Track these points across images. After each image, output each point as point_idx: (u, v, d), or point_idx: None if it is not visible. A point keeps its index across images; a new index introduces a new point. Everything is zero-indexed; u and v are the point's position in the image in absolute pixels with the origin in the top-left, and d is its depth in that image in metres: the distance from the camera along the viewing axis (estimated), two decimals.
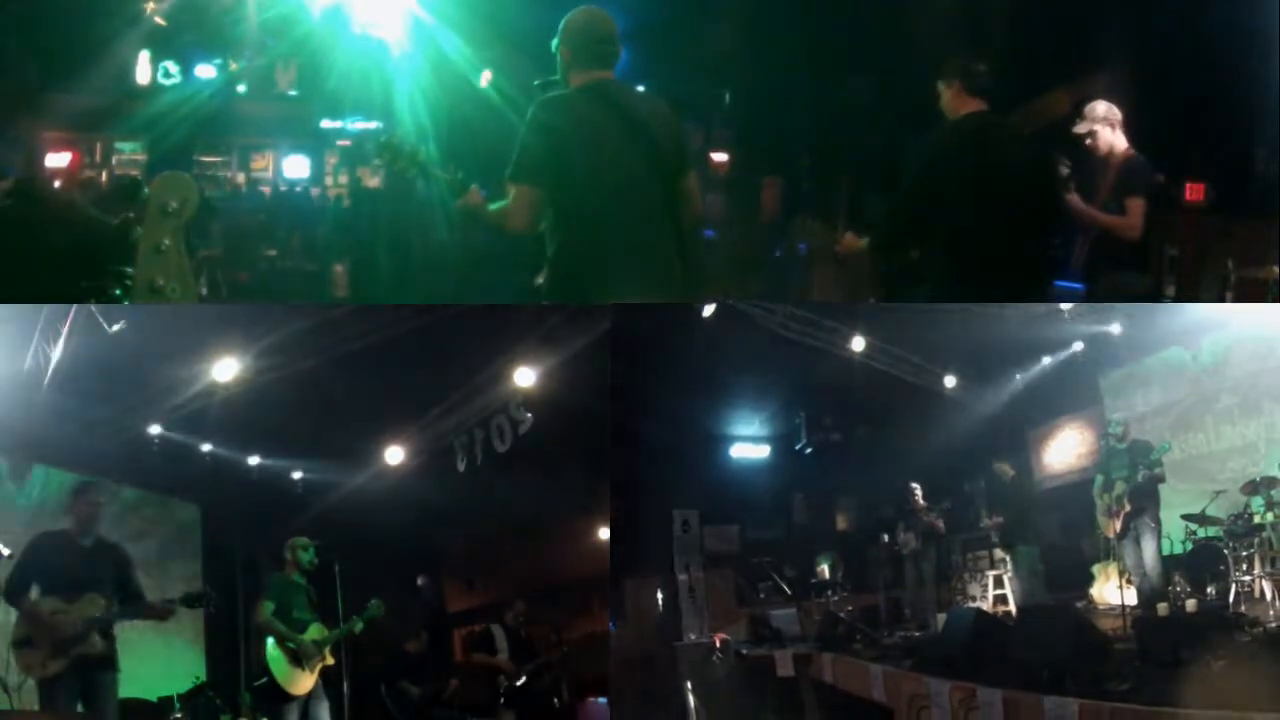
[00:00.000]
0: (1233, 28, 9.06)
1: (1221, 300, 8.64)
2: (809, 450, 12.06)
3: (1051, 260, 5.68)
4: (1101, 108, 6.25)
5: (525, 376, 8.51)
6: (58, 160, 17.37)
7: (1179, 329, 9.67)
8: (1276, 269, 8.11)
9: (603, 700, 8.27)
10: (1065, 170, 6.18)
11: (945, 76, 5.07)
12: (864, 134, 10.82)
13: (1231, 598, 7.23)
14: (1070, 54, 9.70)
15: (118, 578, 5.43)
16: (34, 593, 5.19)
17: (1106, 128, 6.20)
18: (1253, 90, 9.08)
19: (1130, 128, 6.27)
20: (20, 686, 5.16)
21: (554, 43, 4.39)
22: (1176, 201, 9.17)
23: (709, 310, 8.62)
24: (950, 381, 11.51)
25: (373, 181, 15.69)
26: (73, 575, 5.25)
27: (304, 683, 6.12)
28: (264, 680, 6.22)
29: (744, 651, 8.29)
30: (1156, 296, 8.25)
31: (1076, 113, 6.48)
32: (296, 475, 10.62)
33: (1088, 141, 6.24)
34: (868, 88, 11.08)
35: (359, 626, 6.45)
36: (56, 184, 14.03)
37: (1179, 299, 8.85)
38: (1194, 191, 9.50)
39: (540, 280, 4.34)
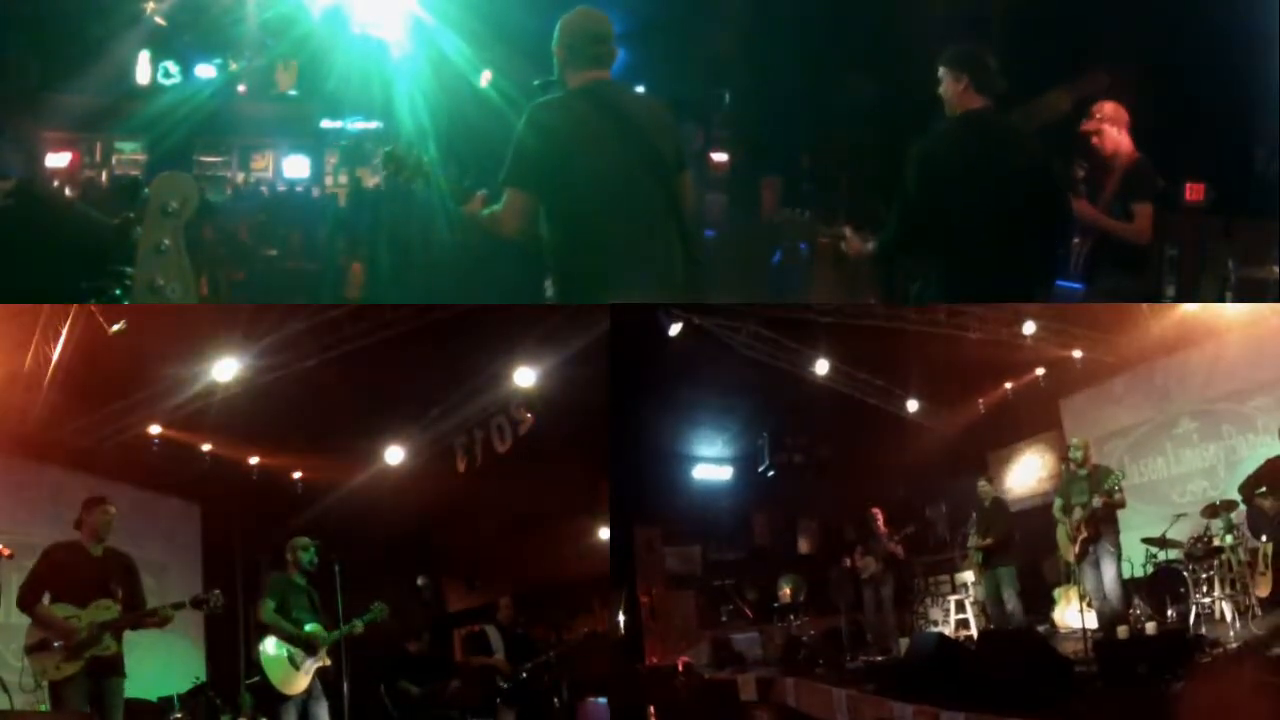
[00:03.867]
0: (1233, 28, 9.06)
1: (1221, 300, 8.65)
2: (771, 472, 12.07)
3: (1055, 258, 5.65)
4: (1109, 107, 6.23)
5: (525, 376, 8.52)
6: (58, 160, 17.36)
7: (1141, 349, 9.71)
8: (1276, 269, 8.13)
9: (602, 700, 8.27)
10: (1081, 173, 6.16)
11: (954, 67, 4.86)
12: (864, 134, 10.82)
13: (1192, 620, 7.29)
14: (1070, 54, 9.69)
15: (127, 585, 5.56)
16: (45, 599, 5.33)
17: (1113, 128, 6.18)
18: (1253, 90, 9.08)
19: (1131, 128, 6.26)
20: (34, 689, 5.30)
21: (552, 44, 4.39)
22: (1176, 201, 9.17)
23: (675, 330, 8.63)
24: (913, 405, 11.56)
25: (373, 181, 15.69)
26: (84, 583, 5.39)
27: (299, 683, 6.11)
28: (256, 679, 6.23)
29: (706, 675, 8.28)
30: (1157, 296, 8.26)
31: (1078, 112, 6.46)
32: (296, 475, 10.62)
33: (1094, 140, 6.22)
34: (868, 88, 11.07)
35: (360, 628, 6.45)
36: (56, 184, 14.05)
37: (1179, 299, 8.86)
38: (1194, 191, 9.50)
39: (548, 284, 4.34)
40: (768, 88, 12.16)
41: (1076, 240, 6.31)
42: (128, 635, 5.52)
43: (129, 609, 5.49)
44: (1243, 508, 7.55)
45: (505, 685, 8.29)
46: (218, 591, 5.91)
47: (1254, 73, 8.94)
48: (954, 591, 9.99)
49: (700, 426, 12.09)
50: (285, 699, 6.04)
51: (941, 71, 4.90)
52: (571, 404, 8.58)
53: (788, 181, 10.91)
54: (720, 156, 12.99)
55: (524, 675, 8.41)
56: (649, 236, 4.25)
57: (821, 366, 10.13)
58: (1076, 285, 6.49)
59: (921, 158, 4.81)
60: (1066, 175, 6.20)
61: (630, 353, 8.33)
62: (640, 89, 4.70)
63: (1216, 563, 7.39)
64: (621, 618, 10.02)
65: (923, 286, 4.93)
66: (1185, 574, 7.56)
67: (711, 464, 12.56)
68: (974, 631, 9.18)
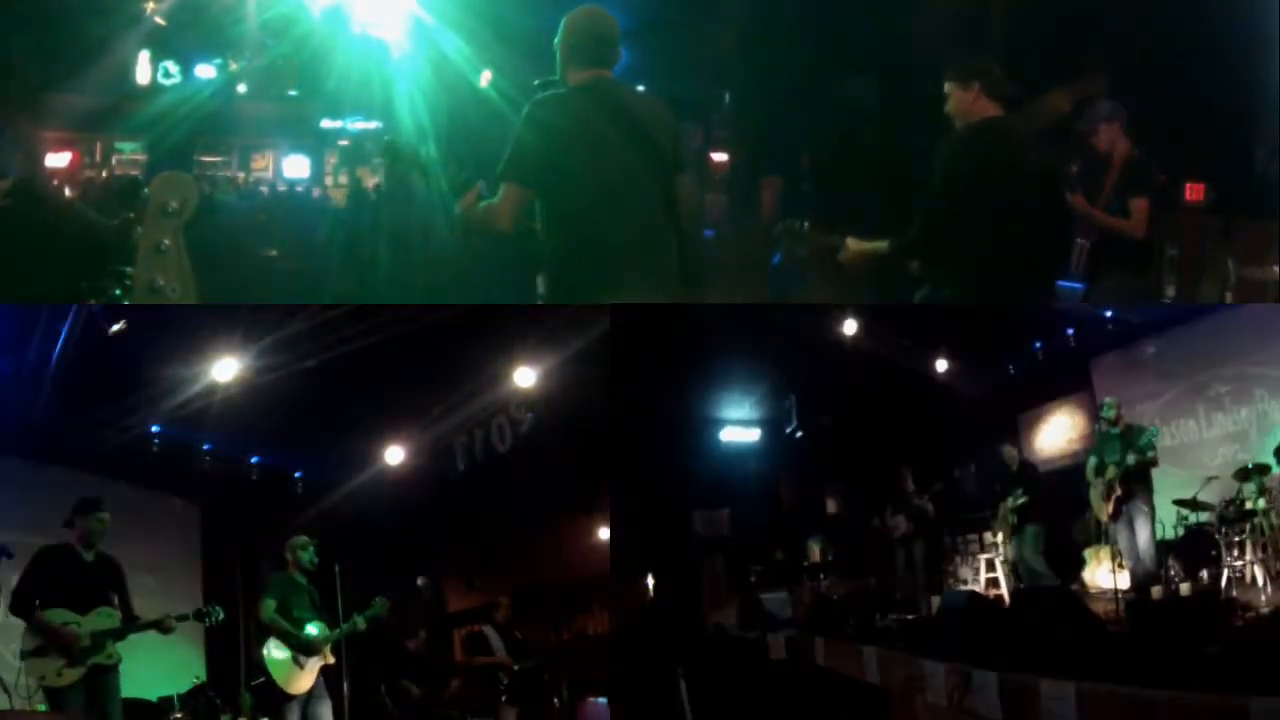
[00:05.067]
0: (1233, 28, 9.06)
1: (1221, 300, 8.65)
2: (799, 434, 12.07)
3: (1058, 261, 5.65)
4: (1107, 106, 6.25)
5: (525, 376, 8.51)
6: (58, 160, 17.38)
7: (1171, 317, 9.67)
8: (1276, 269, 8.13)
9: (603, 700, 8.26)
10: (1075, 169, 6.17)
11: (963, 79, 4.87)
12: (864, 134, 10.82)
13: (1224, 583, 7.25)
14: (1070, 54, 9.70)
15: (122, 592, 5.55)
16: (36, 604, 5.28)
17: (1111, 126, 6.20)
18: (1253, 90, 9.08)
19: (1130, 128, 6.27)
20: (32, 695, 5.29)
21: (555, 41, 4.38)
22: (1176, 201, 9.17)
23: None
24: (941, 365, 11.52)
25: (372, 181, 15.68)
26: (77, 589, 5.35)
27: (303, 681, 6.12)
28: (261, 680, 6.22)
29: (736, 635, 8.30)
30: (1157, 296, 8.26)
31: (1079, 111, 6.47)
32: (296, 475, 10.62)
33: (1091, 139, 6.24)
34: (868, 88, 11.07)
35: (361, 624, 6.44)
36: (56, 184, 14.04)
37: (1179, 299, 8.87)
38: (1194, 191, 9.51)
39: (540, 281, 4.32)
40: (768, 88, 12.16)
41: (1078, 240, 6.32)
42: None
43: (125, 615, 5.48)
44: (1275, 471, 7.59)
45: (505, 683, 8.29)
46: (218, 606, 5.91)
47: (1254, 73, 8.94)
48: (983, 550, 9.92)
49: (728, 390, 12.08)
50: (289, 698, 6.05)
51: (948, 86, 4.91)
52: (571, 404, 8.58)
53: (788, 181, 10.90)
54: (720, 156, 12.99)
55: (524, 674, 8.41)
56: (646, 236, 4.23)
57: (849, 327, 10.12)
58: (1078, 285, 6.50)
59: (942, 164, 4.81)
60: (1065, 174, 6.21)
61: (630, 353, 8.33)
62: (640, 88, 4.68)
63: (1248, 526, 7.35)
64: (650, 582, 10.02)
65: (931, 291, 4.93)
66: (1217, 537, 7.51)
67: (739, 427, 12.54)
68: (1004, 591, 9.15)
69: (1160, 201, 6.29)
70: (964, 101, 4.86)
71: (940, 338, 11.18)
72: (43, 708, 5.27)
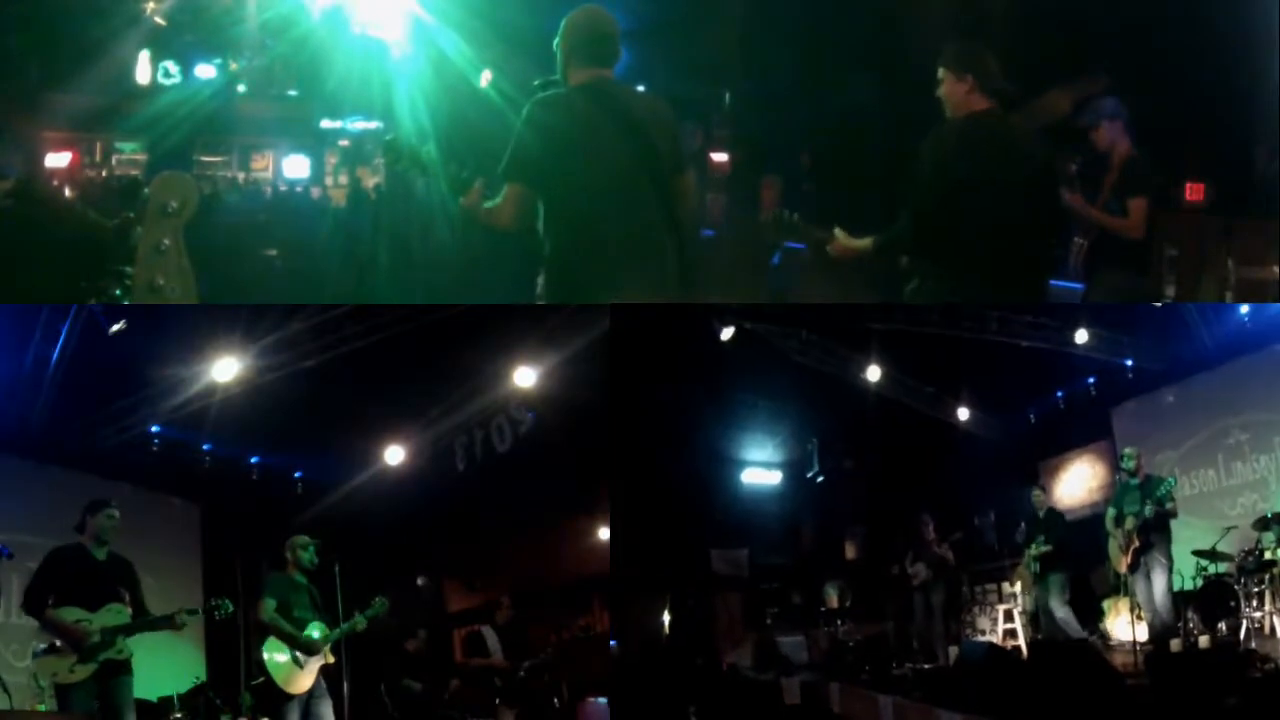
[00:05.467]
0: (1233, 28, 9.06)
1: (1221, 300, 8.65)
2: (820, 478, 12.05)
3: (1052, 261, 5.64)
4: (1111, 104, 6.25)
5: (525, 376, 8.51)
6: (58, 160, 17.40)
7: (1192, 360, 9.61)
8: (1276, 269, 8.13)
9: (603, 700, 8.26)
10: (1074, 168, 6.16)
11: (957, 67, 4.74)
12: (864, 134, 10.81)
13: (1243, 634, 7.14)
14: (1070, 54, 9.69)
15: (133, 590, 5.57)
16: (50, 603, 5.33)
17: (1114, 124, 6.20)
18: (1253, 90, 9.08)
19: (1130, 128, 6.27)
20: (40, 692, 5.31)
21: (556, 41, 4.39)
22: (1176, 201, 9.17)
23: (726, 334, 8.65)
24: (964, 413, 11.51)
25: (372, 181, 15.69)
26: (91, 587, 5.39)
27: (303, 681, 6.11)
28: (261, 680, 6.22)
29: (750, 676, 8.26)
30: (1157, 296, 8.26)
31: (1079, 110, 6.47)
32: (296, 475, 10.62)
33: (1092, 135, 6.24)
34: (867, 88, 11.06)
35: (362, 624, 6.44)
36: (56, 184, 14.06)
37: (1179, 299, 8.86)
38: (1194, 191, 9.51)
39: (539, 281, 4.32)
40: (768, 88, 12.16)
41: (1077, 240, 6.32)
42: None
43: (137, 613, 5.51)
44: None
45: (499, 685, 8.30)
46: (226, 599, 5.93)
47: (1254, 73, 8.94)
48: (1001, 601, 9.82)
49: (750, 431, 12.10)
50: (290, 698, 6.04)
51: (942, 72, 4.79)
52: (571, 404, 8.58)
53: (788, 181, 10.90)
54: (720, 156, 12.98)
55: (523, 675, 8.41)
56: (645, 235, 4.23)
57: (873, 373, 10.17)
58: (1076, 285, 6.50)
59: (927, 158, 4.77)
60: (1062, 173, 6.20)
61: (630, 353, 8.33)
62: (641, 88, 4.69)
63: (1268, 577, 7.23)
64: (666, 618, 10.02)
65: (918, 286, 4.90)
66: (1236, 587, 7.41)
67: (761, 468, 12.54)
68: (1022, 642, 9.09)
69: (1159, 201, 6.29)
70: (957, 92, 4.75)
71: (961, 383, 11.18)
72: (42, 707, 5.29)
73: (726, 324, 8.85)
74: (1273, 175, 9.55)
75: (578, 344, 8.13)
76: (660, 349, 9.03)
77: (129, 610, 5.46)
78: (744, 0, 12.01)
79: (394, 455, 9.69)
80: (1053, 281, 6.06)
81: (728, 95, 13.38)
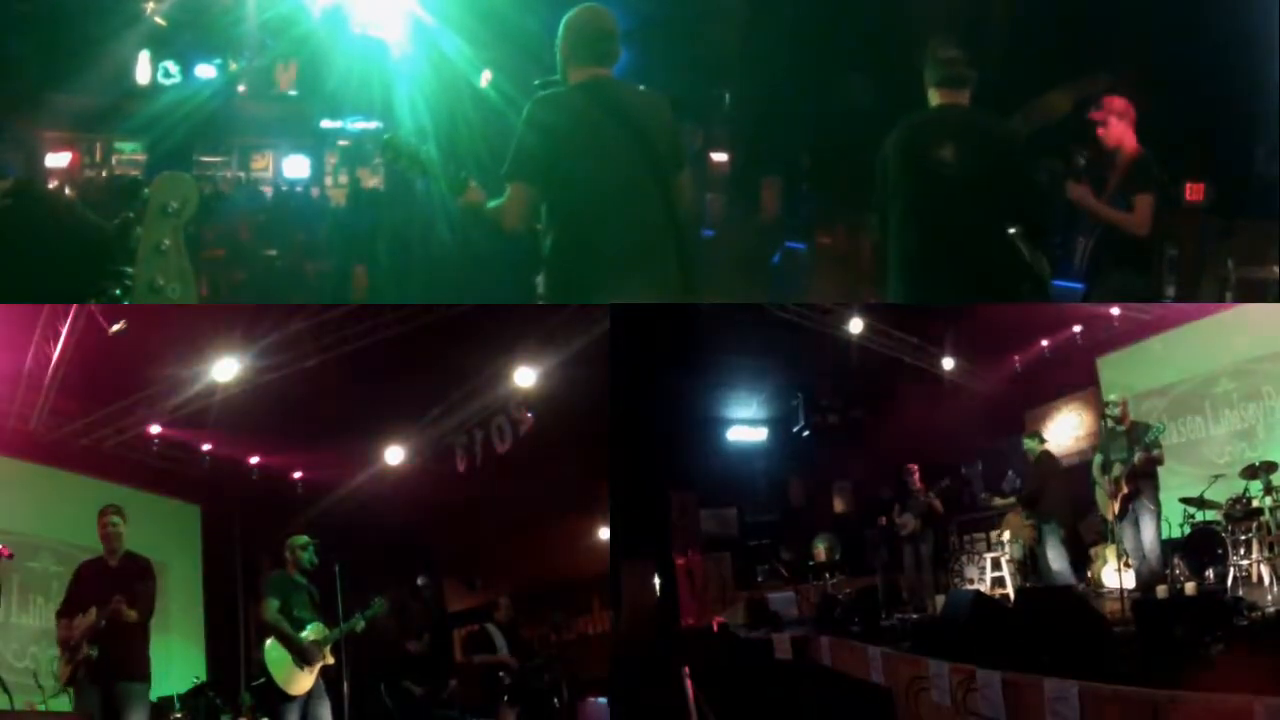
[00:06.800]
0: (1233, 29, 9.05)
1: (1221, 300, 8.65)
2: (806, 433, 12.06)
3: (1043, 260, 5.63)
4: (1120, 102, 6.27)
5: (525, 376, 8.52)
6: (58, 160, 17.39)
7: (1179, 314, 9.62)
8: (1276, 269, 8.12)
9: (603, 700, 8.26)
10: (1082, 161, 6.18)
11: (926, 65, 4.95)
12: (864, 134, 10.80)
13: (1229, 582, 7.20)
14: (1071, 54, 9.69)
15: (134, 589, 5.67)
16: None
17: (1119, 121, 6.21)
18: (1253, 90, 9.07)
19: (1135, 124, 6.28)
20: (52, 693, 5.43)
21: (556, 40, 4.39)
22: (1176, 201, 9.16)
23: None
24: (948, 363, 11.52)
25: (373, 181, 15.68)
26: (103, 593, 5.54)
27: (303, 682, 6.11)
28: (262, 680, 6.22)
29: (742, 635, 8.30)
30: (1157, 296, 8.26)
31: (1079, 112, 6.47)
32: (296, 475, 10.62)
33: (1099, 131, 6.25)
34: (867, 88, 11.07)
35: (361, 624, 6.44)
36: (56, 184, 14.06)
37: (1179, 299, 8.86)
38: (1194, 191, 9.49)
39: (539, 280, 4.32)
40: (768, 88, 12.15)
41: (1080, 239, 6.33)
42: None
43: (139, 610, 5.59)
44: None
45: (507, 682, 8.29)
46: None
47: (1254, 73, 8.93)
48: (989, 549, 9.90)
49: (735, 389, 12.10)
50: (289, 698, 6.04)
51: (926, 73, 4.96)
52: (571, 404, 8.58)
53: (788, 181, 10.90)
54: (720, 156, 12.97)
55: (524, 674, 8.41)
56: (645, 234, 4.23)
57: (855, 325, 10.14)
58: (1078, 285, 6.50)
59: (892, 150, 4.86)
60: (1060, 172, 6.22)
61: (630, 353, 8.33)
62: (641, 87, 4.69)
63: (1255, 525, 7.29)
64: (657, 581, 10.02)
65: (898, 283, 4.94)
66: (1223, 535, 7.46)
67: (747, 426, 12.56)
68: (1010, 590, 9.14)
69: (1161, 200, 6.29)
70: (930, 90, 4.94)
71: (946, 335, 11.18)
72: (43, 706, 5.31)
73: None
74: (1273, 175, 9.54)
75: (578, 344, 8.13)
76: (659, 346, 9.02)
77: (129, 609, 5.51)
78: (744, 0, 12.00)
79: (394, 455, 9.69)
80: (1054, 281, 6.06)
81: (728, 95, 13.37)
